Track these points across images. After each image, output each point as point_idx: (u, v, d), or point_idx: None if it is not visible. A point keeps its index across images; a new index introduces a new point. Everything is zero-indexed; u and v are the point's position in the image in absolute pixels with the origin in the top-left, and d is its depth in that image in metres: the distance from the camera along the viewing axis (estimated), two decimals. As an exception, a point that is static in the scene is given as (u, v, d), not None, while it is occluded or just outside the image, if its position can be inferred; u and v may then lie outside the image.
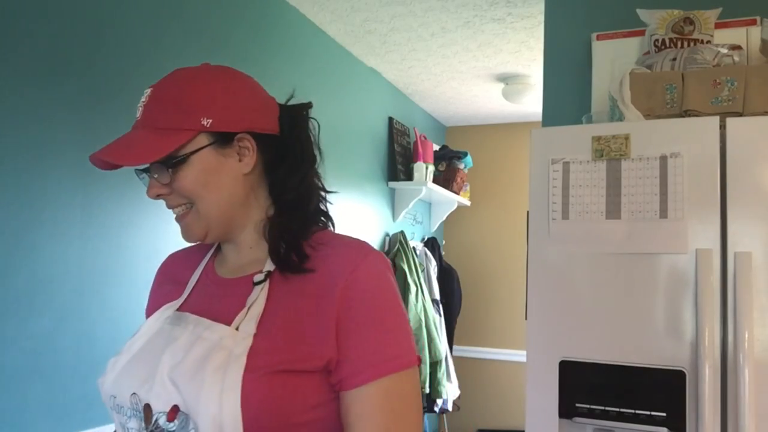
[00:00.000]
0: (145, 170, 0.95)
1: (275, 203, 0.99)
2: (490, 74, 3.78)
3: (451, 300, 4.36)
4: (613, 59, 1.93)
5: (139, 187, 2.12)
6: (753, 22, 1.81)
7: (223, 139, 0.93)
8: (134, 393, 0.87)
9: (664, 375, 1.42)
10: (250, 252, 0.98)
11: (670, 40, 1.82)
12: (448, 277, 4.41)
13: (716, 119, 1.47)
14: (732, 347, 1.38)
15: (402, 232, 3.83)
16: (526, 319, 1.60)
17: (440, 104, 4.44)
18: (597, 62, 1.98)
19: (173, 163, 0.90)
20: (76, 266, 1.80)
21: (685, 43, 1.80)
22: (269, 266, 0.92)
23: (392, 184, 3.88)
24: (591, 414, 1.46)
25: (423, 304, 3.72)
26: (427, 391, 3.63)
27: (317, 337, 0.86)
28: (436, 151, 4.31)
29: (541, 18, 2.38)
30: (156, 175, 0.93)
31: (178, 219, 0.96)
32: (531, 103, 3.98)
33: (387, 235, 3.83)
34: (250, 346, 0.84)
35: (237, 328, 0.86)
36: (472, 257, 4.83)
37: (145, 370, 0.88)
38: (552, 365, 1.52)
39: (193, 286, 1.00)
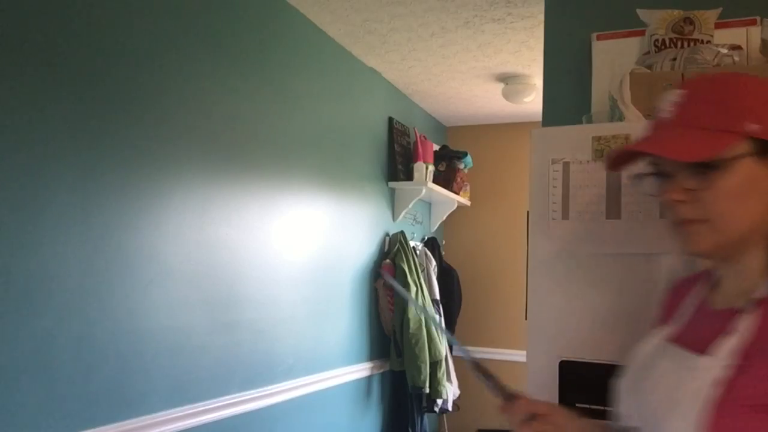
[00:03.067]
0: (657, 174, 0.89)
1: None
2: (490, 74, 3.78)
3: (451, 300, 4.36)
4: (613, 59, 1.93)
5: (138, 187, 2.12)
6: (753, 22, 1.81)
7: (764, 150, 0.83)
8: (624, 415, 0.92)
9: (664, 375, 1.42)
10: (752, 279, 0.87)
11: (670, 40, 1.82)
12: (448, 277, 4.40)
13: (716, 119, 1.47)
14: (732, 347, 1.38)
15: (402, 232, 3.83)
16: (526, 319, 1.60)
17: (440, 104, 4.44)
18: (597, 62, 1.98)
19: (714, 166, 0.82)
20: (76, 266, 1.80)
21: (685, 43, 1.80)
22: (761, 293, 0.83)
23: (392, 184, 3.88)
24: (591, 414, 1.46)
25: (423, 304, 3.72)
26: (427, 391, 3.63)
27: None
28: (436, 151, 4.30)
29: (541, 18, 2.38)
30: (681, 178, 0.85)
31: (681, 225, 0.87)
32: (531, 103, 3.99)
33: (387, 235, 3.84)
34: (718, 376, 0.77)
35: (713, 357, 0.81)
36: (472, 257, 4.83)
37: (630, 398, 0.92)
38: (552, 365, 1.52)
39: (687, 317, 0.96)
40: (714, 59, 1.68)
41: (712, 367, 0.79)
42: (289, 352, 2.79)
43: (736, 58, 1.69)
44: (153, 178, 2.04)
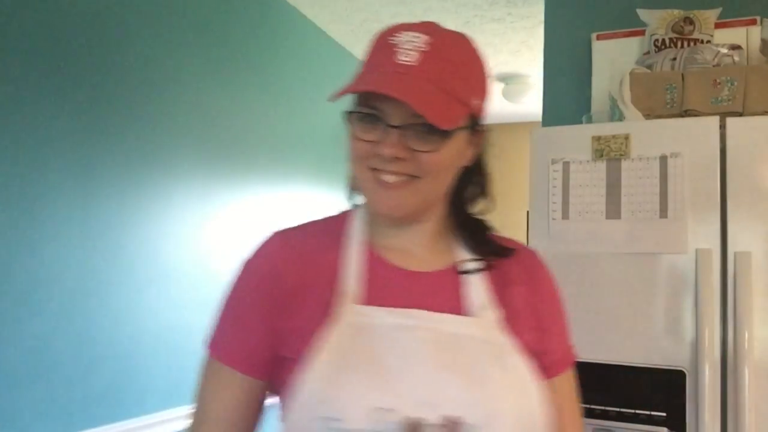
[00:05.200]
0: (369, 116, 0.80)
1: (454, 202, 0.91)
2: (490, 74, 3.78)
3: (451, 300, 4.35)
4: (613, 59, 1.93)
5: (138, 187, 2.11)
6: (753, 22, 1.81)
7: (473, 126, 0.84)
8: (387, 409, 0.71)
9: (664, 375, 1.42)
10: (434, 243, 0.89)
11: (670, 40, 1.82)
12: (448, 277, 4.39)
13: (716, 119, 1.47)
14: (732, 347, 1.38)
15: (402, 232, 3.82)
16: (526, 319, 1.59)
17: (440, 104, 4.43)
18: (597, 62, 1.98)
19: (445, 133, 0.78)
20: (76, 266, 1.80)
21: (685, 43, 1.80)
22: (465, 256, 0.87)
23: (392, 184, 3.88)
24: (591, 414, 1.46)
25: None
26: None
27: (535, 324, 0.85)
28: (436, 151, 4.30)
29: (541, 18, 2.38)
30: (406, 135, 0.78)
31: (387, 187, 0.81)
32: (531, 103, 3.98)
33: (387, 235, 3.83)
34: (506, 335, 0.81)
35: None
36: (472, 257, 4.82)
37: (387, 380, 0.73)
38: (552, 365, 1.52)
39: (363, 278, 0.83)
40: (714, 59, 1.68)
41: (487, 328, 0.80)
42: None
43: (736, 58, 1.69)
44: (153, 178, 2.04)
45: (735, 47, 1.71)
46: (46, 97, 1.74)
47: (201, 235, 2.26)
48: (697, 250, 1.42)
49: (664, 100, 1.63)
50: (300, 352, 0.77)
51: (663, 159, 1.48)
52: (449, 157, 0.81)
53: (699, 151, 1.46)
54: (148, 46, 2.08)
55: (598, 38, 2.00)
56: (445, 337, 0.78)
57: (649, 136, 1.50)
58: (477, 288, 0.84)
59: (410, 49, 0.79)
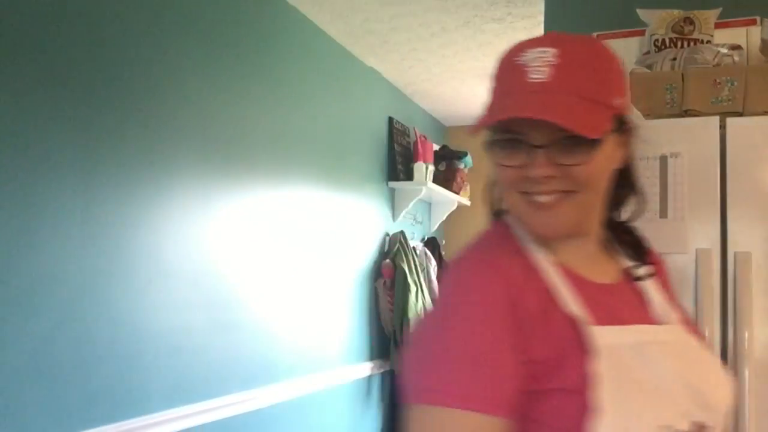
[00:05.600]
0: (510, 140, 0.78)
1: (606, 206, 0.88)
2: (490, 74, 3.77)
3: (451, 300, 4.35)
4: (613, 59, 1.93)
5: (138, 187, 2.11)
6: (753, 22, 1.81)
7: (620, 126, 0.81)
8: (666, 426, 0.73)
9: (664, 375, 1.42)
10: (599, 252, 0.88)
11: (670, 40, 1.82)
12: (448, 277, 4.39)
13: (716, 119, 1.47)
14: (732, 347, 1.38)
15: (402, 232, 3.83)
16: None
17: (440, 104, 4.43)
18: (597, 62, 1.98)
19: (592, 141, 0.75)
20: (76, 266, 1.80)
21: (685, 43, 1.80)
22: (627, 262, 0.90)
23: (392, 184, 3.88)
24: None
25: (423, 304, 3.72)
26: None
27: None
28: (436, 151, 4.30)
29: (541, 18, 2.38)
30: (553, 151, 0.76)
31: (542, 207, 0.78)
32: (531, 103, 3.98)
33: (387, 235, 3.83)
34: (691, 335, 0.84)
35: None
36: (472, 257, 4.82)
37: (659, 398, 0.74)
38: (552, 365, 1.52)
39: (577, 297, 0.79)
40: (714, 59, 1.68)
41: (683, 329, 0.84)
42: (289, 352, 2.79)
43: (736, 58, 1.69)
44: (153, 178, 2.04)
45: (735, 47, 1.71)
46: (47, 97, 1.74)
47: (201, 235, 2.26)
48: (697, 250, 1.42)
49: (664, 100, 1.63)
50: (555, 383, 0.74)
51: (663, 159, 1.48)
52: (601, 165, 0.79)
53: (699, 151, 1.46)
54: (147, 46, 2.08)
55: (598, 38, 2.00)
56: (670, 347, 0.80)
57: (649, 136, 1.50)
58: (654, 294, 0.87)
59: (539, 65, 0.76)
